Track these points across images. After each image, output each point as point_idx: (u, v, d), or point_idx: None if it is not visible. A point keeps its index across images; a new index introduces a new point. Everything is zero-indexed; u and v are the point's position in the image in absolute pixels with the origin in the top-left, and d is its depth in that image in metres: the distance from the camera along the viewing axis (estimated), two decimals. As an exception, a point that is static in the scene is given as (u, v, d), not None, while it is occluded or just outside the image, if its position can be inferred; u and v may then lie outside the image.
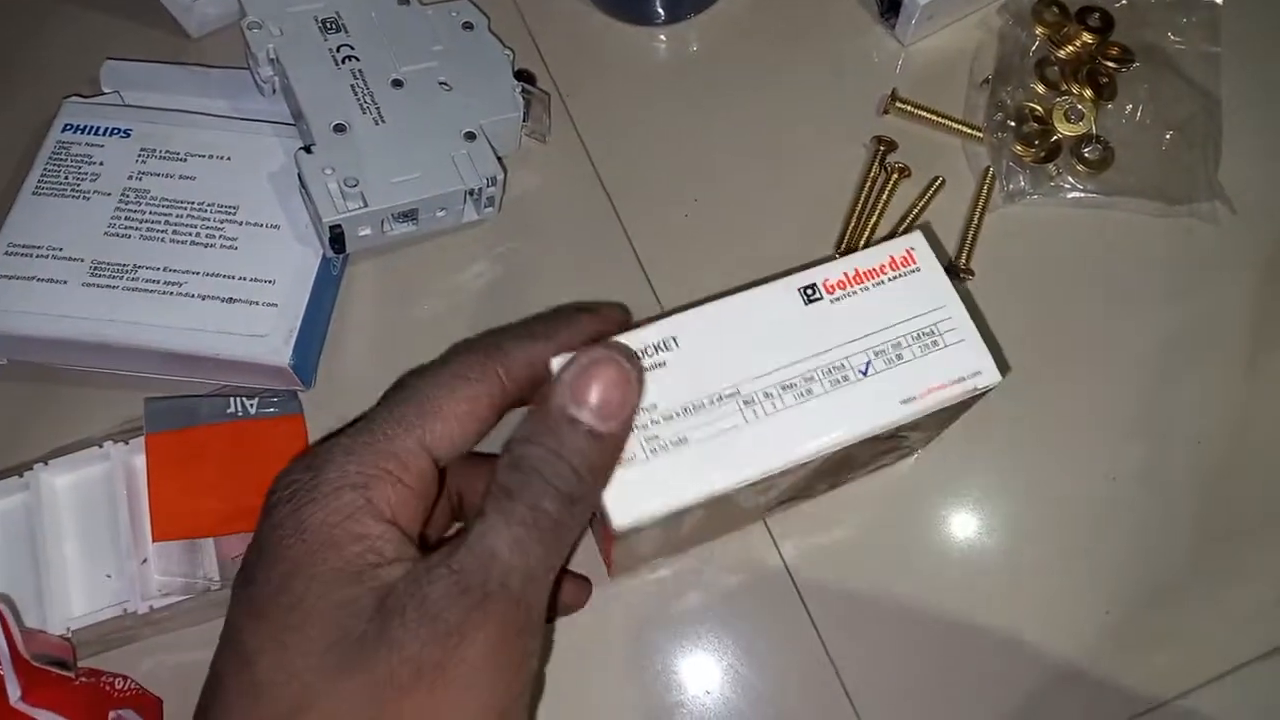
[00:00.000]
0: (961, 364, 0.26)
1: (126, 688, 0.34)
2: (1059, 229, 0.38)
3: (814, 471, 0.28)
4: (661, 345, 0.26)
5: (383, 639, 0.21)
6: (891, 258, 0.27)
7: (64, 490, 0.36)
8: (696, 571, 0.35)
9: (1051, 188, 0.38)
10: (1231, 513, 0.35)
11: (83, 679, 0.33)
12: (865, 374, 0.25)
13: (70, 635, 0.33)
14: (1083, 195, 0.38)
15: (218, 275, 0.35)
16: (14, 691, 0.30)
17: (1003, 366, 0.30)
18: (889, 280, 0.27)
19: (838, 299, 0.26)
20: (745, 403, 0.25)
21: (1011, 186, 0.38)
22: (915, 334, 0.26)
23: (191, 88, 0.40)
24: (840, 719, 0.33)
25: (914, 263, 0.27)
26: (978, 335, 0.26)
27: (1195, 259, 0.38)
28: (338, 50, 0.37)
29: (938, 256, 0.28)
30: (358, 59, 0.37)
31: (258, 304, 0.35)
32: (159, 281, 0.35)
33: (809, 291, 0.26)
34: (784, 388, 0.25)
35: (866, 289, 0.26)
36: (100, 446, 0.35)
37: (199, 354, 0.35)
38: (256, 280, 0.35)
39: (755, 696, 0.33)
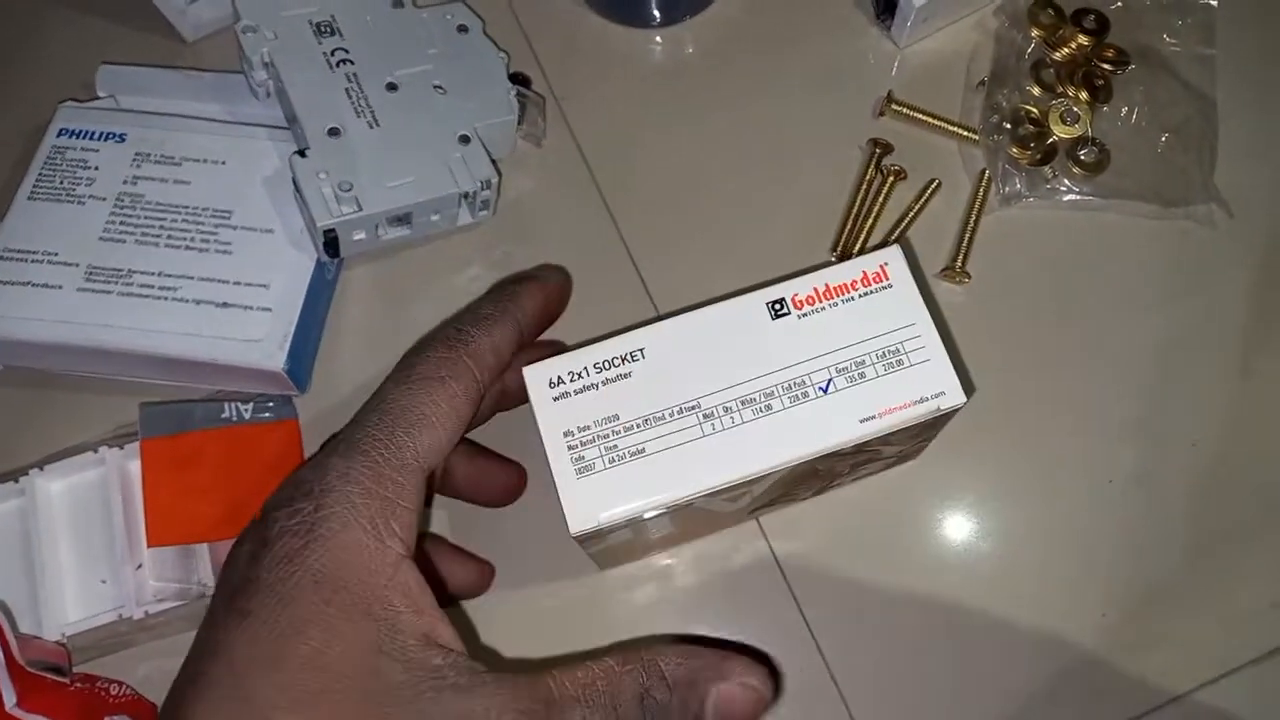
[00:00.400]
0: (925, 384, 0.26)
1: (122, 693, 0.34)
2: (1055, 231, 0.38)
3: (780, 483, 0.28)
4: (628, 357, 0.26)
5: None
6: (864, 273, 0.27)
7: (59, 495, 0.36)
8: (689, 565, 0.35)
9: (1047, 190, 0.38)
10: (1228, 515, 0.35)
11: (78, 685, 0.33)
12: (825, 391, 0.26)
13: (65, 641, 0.33)
14: (1078, 198, 0.38)
15: (212, 280, 0.35)
16: (9, 698, 0.30)
17: (968, 387, 0.30)
18: (860, 296, 0.27)
19: (805, 314, 0.27)
20: (705, 416, 0.26)
21: (1007, 189, 0.38)
22: (880, 352, 0.26)
23: (186, 92, 0.39)
24: (832, 715, 0.33)
25: (886, 279, 0.27)
26: (945, 355, 0.26)
27: (1191, 261, 0.38)
28: (332, 54, 0.37)
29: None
30: (352, 62, 0.37)
31: (252, 309, 0.35)
32: (154, 286, 0.35)
33: (777, 307, 0.27)
34: (743, 403, 0.26)
35: (836, 305, 0.27)
36: (95, 451, 0.35)
37: (194, 359, 0.35)
38: (251, 285, 0.35)
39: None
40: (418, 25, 0.39)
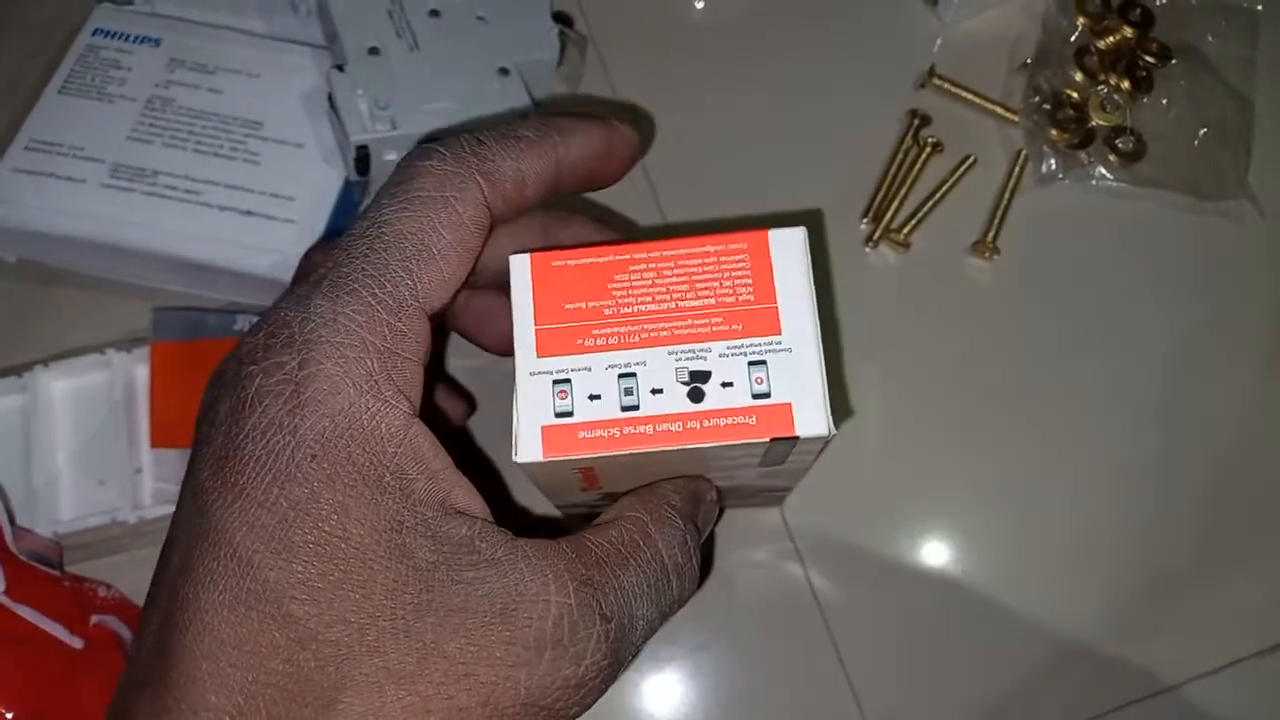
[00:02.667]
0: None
1: (110, 595, 0.33)
2: (1086, 216, 0.38)
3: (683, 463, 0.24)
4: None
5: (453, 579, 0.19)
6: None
7: (62, 394, 0.35)
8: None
9: (1083, 174, 0.38)
10: (1238, 509, 0.35)
11: (66, 584, 0.32)
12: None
13: (56, 538, 0.33)
14: (1113, 185, 0.38)
15: (238, 188, 0.35)
16: (-1, 583, 0.30)
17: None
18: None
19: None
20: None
21: (1044, 169, 0.38)
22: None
23: (224, 3, 0.39)
24: (837, 696, 0.33)
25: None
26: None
27: (1219, 257, 0.38)
28: (376, -26, 0.37)
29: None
30: (396, -16, 0.37)
31: (276, 219, 0.35)
32: (178, 189, 0.35)
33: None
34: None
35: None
36: (102, 353, 0.35)
37: (212, 264, 0.34)
38: (277, 196, 0.35)
39: (748, 657, 0.33)
40: (464, -46, 0.38)
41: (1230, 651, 0.33)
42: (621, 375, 0.21)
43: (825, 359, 0.22)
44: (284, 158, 0.36)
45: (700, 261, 0.22)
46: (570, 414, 0.21)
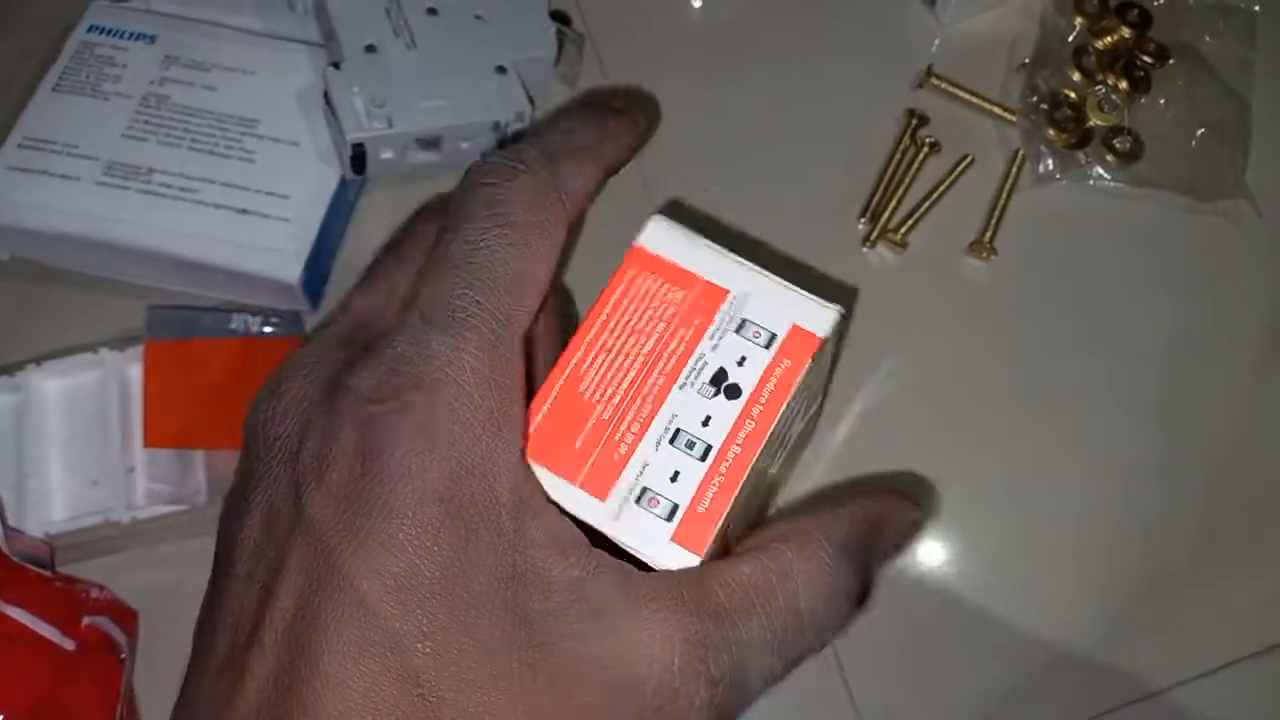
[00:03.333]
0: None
1: (102, 596, 0.33)
2: (1084, 216, 0.38)
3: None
4: None
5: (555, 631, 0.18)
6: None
7: (54, 394, 0.35)
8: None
9: (1080, 174, 0.38)
10: (1235, 508, 0.35)
11: (58, 584, 0.32)
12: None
13: (48, 539, 0.32)
14: (1111, 184, 0.38)
15: (233, 186, 0.35)
16: (-11, 584, 0.29)
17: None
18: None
19: None
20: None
21: (1041, 169, 0.38)
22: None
23: (220, 0, 0.39)
24: (832, 696, 0.32)
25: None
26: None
27: (1216, 257, 0.38)
28: (374, -29, 0.36)
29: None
30: (394, -18, 0.37)
31: (271, 218, 0.34)
32: (173, 187, 0.34)
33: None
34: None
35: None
36: (95, 353, 0.34)
37: (207, 263, 0.34)
38: (272, 194, 0.35)
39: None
40: (462, -48, 0.38)
41: (1229, 652, 0.33)
42: (671, 440, 0.21)
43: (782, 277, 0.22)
44: (279, 156, 0.35)
45: (620, 310, 0.22)
46: (676, 506, 0.20)
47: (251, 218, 0.34)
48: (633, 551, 0.20)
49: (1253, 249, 0.38)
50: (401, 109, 0.34)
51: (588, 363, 0.21)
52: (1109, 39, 0.40)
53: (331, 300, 0.37)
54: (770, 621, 0.19)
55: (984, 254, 0.37)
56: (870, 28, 0.41)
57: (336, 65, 0.34)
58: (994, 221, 0.38)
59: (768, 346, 0.21)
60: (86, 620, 0.31)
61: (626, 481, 0.21)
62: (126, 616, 0.33)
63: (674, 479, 0.21)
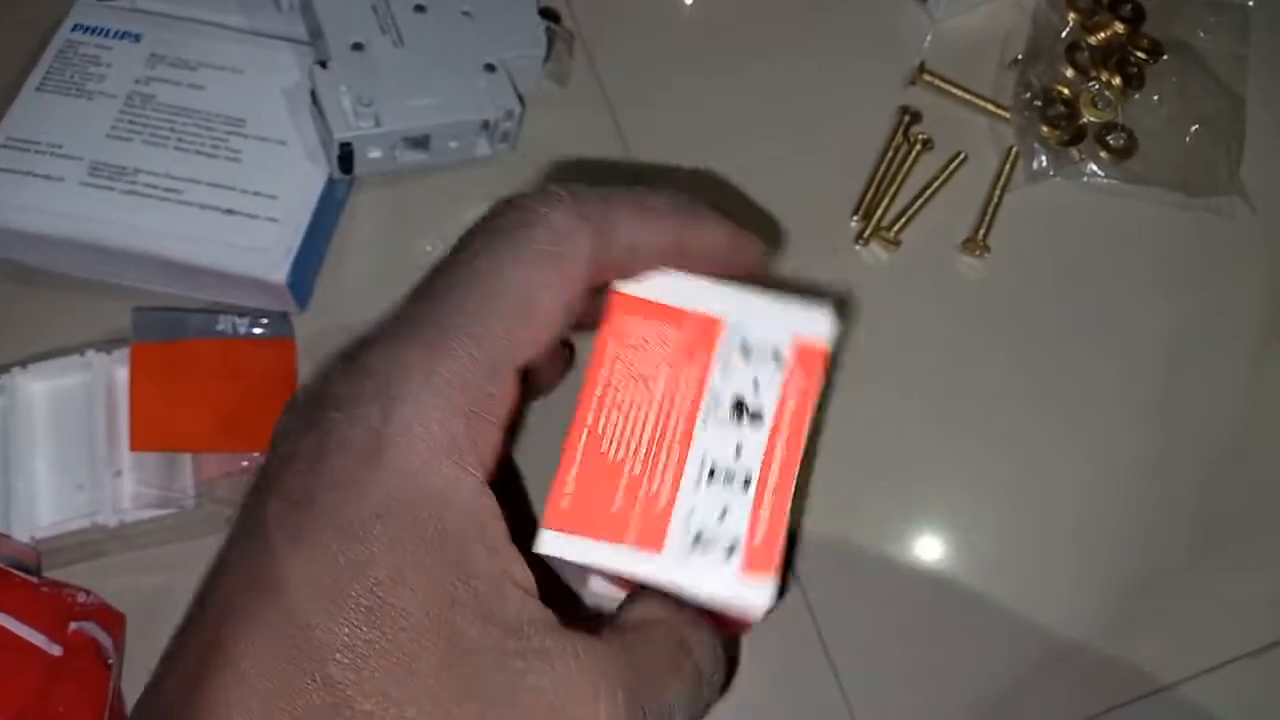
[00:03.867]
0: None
1: (89, 601, 0.32)
2: (1077, 213, 0.38)
3: None
4: None
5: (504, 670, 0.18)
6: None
7: (40, 396, 0.34)
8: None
9: (1074, 171, 0.38)
10: (1231, 506, 0.35)
11: (44, 590, 0.32)
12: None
13: (34, 545, 0.32)
14: (1104, 181, 0.38)
15: (219, 186, 0.34)
16: (-27, 590, 0.29)
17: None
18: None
19: None
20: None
21: (1034, 166, 0.38)
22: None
23: (207, -1, 0.39)
24: (826, 695, 0.32)
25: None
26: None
27: (1210, 253, 0.38)
28: (361, -31, 0.36)
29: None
30: (381, -20, 0.36)
31: (258, 218, 0.34)
32: (159, 187, 0.34)
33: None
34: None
35: None
36: (82, 354, 0.34)
37: (194, 264, 0.34)
38: (259, 194, 0.34)
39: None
40: (450, -50, 0.38)
41: (1226, 650, 0.33)
42: (709, 478, 0.21)
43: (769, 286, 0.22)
44: (266, 155, 0.35)
45: (621, 362, 0.22)
46: (736, 540, 0.21)
47: (238, 218, 0.34)
48: (707, 597, 0.20)
49: (1247, 245, 0.38)
50: (389, 108, 0.34)
51: (603, 422, 0.21)
52: (1102, 35, 0.40)
53: (318, 303, 0.36)
54: (684, 682, 0.20)
55: (977, 251, 0.37)
56: (862, 24, 0.41)
57: (323, 64, 0.34)
58: (987, 219, 0.37)
59: (776, 363, 0.22)
60: (73, 625, 0.31)
61: (677, 528, 0.21)
62: (114, 621, 0.32)
63: (723, 516, 0.21)
